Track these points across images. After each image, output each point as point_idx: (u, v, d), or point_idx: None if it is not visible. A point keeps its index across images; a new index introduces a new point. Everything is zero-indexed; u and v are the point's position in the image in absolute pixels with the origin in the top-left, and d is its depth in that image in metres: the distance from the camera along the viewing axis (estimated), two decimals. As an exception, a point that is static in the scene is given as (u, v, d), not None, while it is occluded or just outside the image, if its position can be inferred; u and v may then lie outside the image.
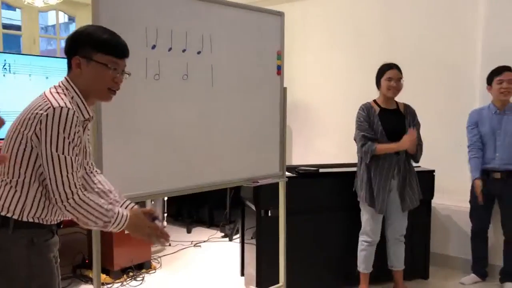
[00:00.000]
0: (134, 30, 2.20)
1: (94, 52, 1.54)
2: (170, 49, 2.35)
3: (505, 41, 3.51)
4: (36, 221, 1.53)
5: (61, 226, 1.70)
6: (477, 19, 3.68)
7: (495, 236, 3.51)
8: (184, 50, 2.40)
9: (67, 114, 1.45)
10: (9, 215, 1.50)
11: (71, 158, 1.48)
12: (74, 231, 3.45)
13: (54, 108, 1.45)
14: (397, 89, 3.08)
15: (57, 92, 1.52)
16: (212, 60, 2.52)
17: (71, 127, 1.46)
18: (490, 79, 3.36)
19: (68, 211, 1.49)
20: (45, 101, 1.48)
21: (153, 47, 2.27)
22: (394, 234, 3.21)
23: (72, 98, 1.54)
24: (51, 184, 1.46)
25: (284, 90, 2.91)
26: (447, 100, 3.87)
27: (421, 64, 3.95)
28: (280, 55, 2.87)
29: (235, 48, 2.63)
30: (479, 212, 3.44)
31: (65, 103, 1.47)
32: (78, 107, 1.55)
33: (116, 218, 1.53)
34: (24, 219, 1.51)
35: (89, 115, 1.59)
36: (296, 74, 4.54)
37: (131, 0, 2.18)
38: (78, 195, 1.48)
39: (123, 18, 2.15)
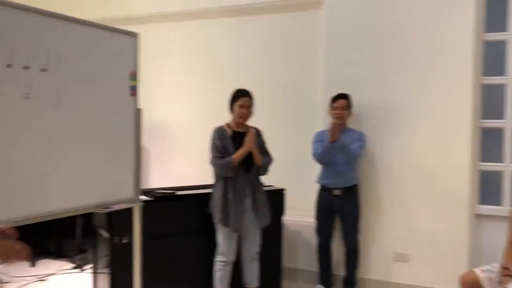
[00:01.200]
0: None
1: None
2: (9, 66, 2.15)
3: (342, 70, 3.91)
4: None
5: None
6: (318, 49, 4.07)
7: (338, 248, 3.85)
8: (26, 67, 2.22)
9: None
10: None
11: None
12: None
13: None
14: (248, 116, 3.27)
15: None
16: (59, 79, 2.37)
17: None
18: (330, 105, 3.73)
19: None
20: None
21: (-12, 62, 2.06)
22: (249, 252, 3.33)
23: None
24: None
25: (138, 111, 2.85)
26: (293, 123, 4.20)
27: (269, 89, 4.21)
28: (134, 76, 2.81)
29: (85, 67, 2.51)
30: (323, 226, 3.75)
31: None
32: None
33: None
34: None
35: None
36: (154, 95, 4.50)
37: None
38: None
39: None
